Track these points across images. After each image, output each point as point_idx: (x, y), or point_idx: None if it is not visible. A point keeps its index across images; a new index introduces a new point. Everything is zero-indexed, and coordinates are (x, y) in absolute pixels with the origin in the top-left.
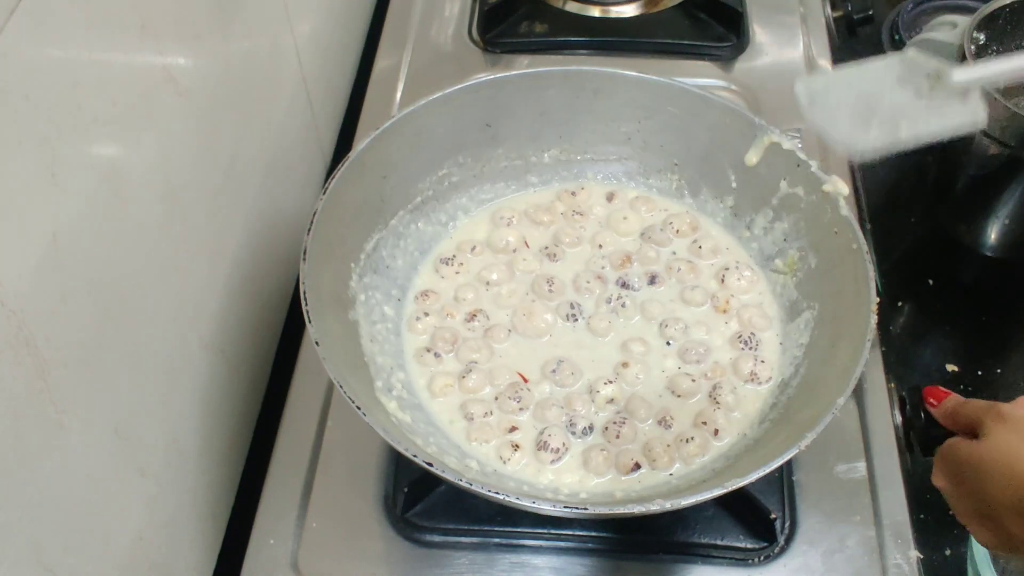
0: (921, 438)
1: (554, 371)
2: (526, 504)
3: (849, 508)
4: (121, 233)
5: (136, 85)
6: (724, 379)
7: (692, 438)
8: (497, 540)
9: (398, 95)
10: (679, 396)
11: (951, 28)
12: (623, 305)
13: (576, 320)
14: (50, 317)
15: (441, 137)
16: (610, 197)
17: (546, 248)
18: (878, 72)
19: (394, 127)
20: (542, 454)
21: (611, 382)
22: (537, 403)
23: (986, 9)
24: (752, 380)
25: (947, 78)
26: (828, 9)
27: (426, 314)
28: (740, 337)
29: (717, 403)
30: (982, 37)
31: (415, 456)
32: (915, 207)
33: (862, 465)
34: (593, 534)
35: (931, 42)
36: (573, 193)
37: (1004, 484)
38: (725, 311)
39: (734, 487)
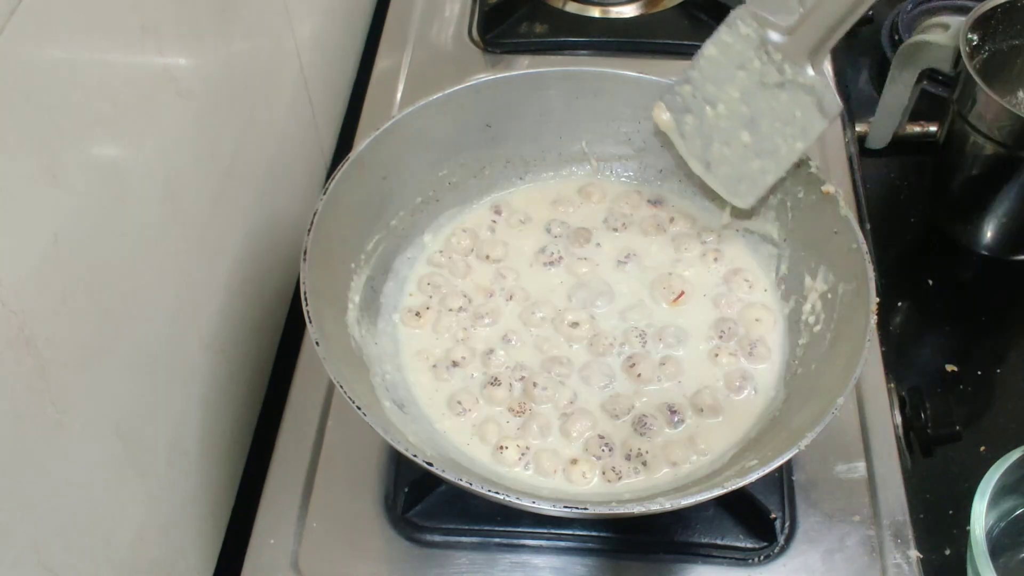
0: (921, 438)
1: (552, 372)
2: (526, 504)
3: (849, 508)
4: (121, 233)
5: (136, 85)
6: (723, 379)
7: (691, 438)
8: (497, 540)
9: (398, 95)
10: (677, 395)
11: (944, 30)
12: (622, 306)
13: (577, 326)
14: (50, 317)
15: (441, 138)
16: (609, 196)
17: (544, 249)
18: (718, 66)
19: (394, 127)
20: (541, 456)
21: (611, 384)
22: (536, 404)
23: (979, 9)
24: (751, 380)
25: (777, 43)
26: None
27: (424, 314)
28: (739, 337)
29: (716, 403)
30: (975, 38)
31: (415, 456)
32: (914, 207)
33: (862, 465)
34: (593, 534)
35: (924, 44)
36: (574, 192)
37: None
38: (724, 311)
39: (734, 487)
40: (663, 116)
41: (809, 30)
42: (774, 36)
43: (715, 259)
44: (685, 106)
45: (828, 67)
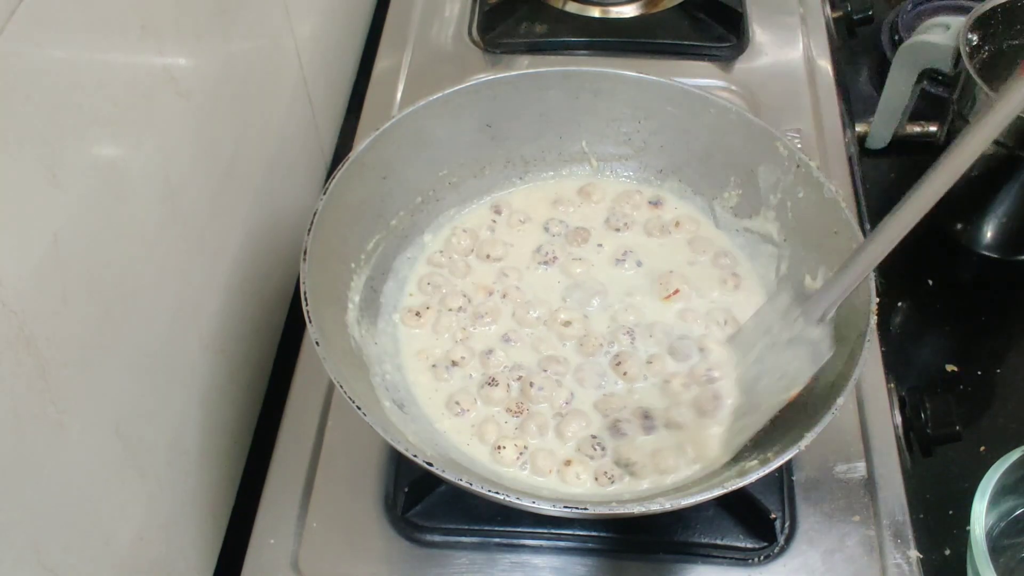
0: (921, 438)
1: (548, 371)
2: (526, 504)
3: (849, 508)
4: (121, 233)
5: (136, 85)
6: (723, 379)
7: (691, 438)
8: (497, 540)
9: (398, 95)
10: (676, 396)
11: (944, 30)
12: (622, 307)
13: (569, 324)
14: (51, 317)
15: (441, 137)
16: (609, 196)
17: (539, 248)
18: (752, 332)
19: (394, 127)
20: (538, 456)
21: (611, 384)
22: (532, 404)
23: (979, 9)
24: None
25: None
26: (828, 9)
27: (424, 313)
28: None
29: (715, 403)
30: (975, 38)
31: (415, 456)
32: None
33: (862, 465)
34: (593, 534)
35: (924, 44)
36: (576, 192)
37: None
38: (724, 312)
39: (734, 487)
40: None
41: (826, 293)
42: (798, 300)
43: (714, 258)
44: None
45: None
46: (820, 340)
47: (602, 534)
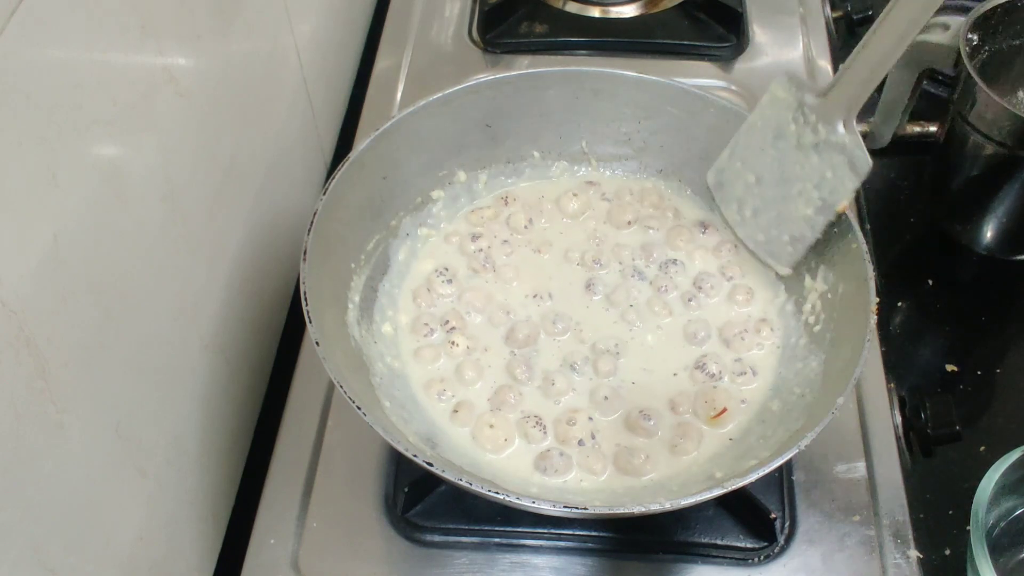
0: (921, 438)
1: (548, 371)
2: (526, 504)
3: (849, 508)
4: (121, 233)
5: (136, 85)
6: (722, 380)
7: (691, 439)
8: (497, 540)
9: (398, 95)
10: (675, 397)
11: (944, 30)
12: (630, 305)
13: (569, 327)
14: (51, 317)
15: (441, 137)
16: (609, 197)
17: (532, 244)
18: (757, 133)
19: (394, 127)
20: (541, 456)
21: (612, 385)
22: (531, 402)
23: (979, 9)
24: (752, 381)
25: (813, 104)
26: (828, 9)
27: (426, 315)
28: (739, 338)
29: (714, 404)
30: (975, 38)
31: (415, 456)
32: (914, 207)
33: (862, 465)
34: (593, 534)
35: (924, 44)
36: (574, 194)
37: None
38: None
39: (734, 487)
40: (712, 181)
41: (841, 89)
42: (810, 98)
43: (713, 253)
44: (731, 174)
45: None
46: (853, 148)
47: (602, 534)
